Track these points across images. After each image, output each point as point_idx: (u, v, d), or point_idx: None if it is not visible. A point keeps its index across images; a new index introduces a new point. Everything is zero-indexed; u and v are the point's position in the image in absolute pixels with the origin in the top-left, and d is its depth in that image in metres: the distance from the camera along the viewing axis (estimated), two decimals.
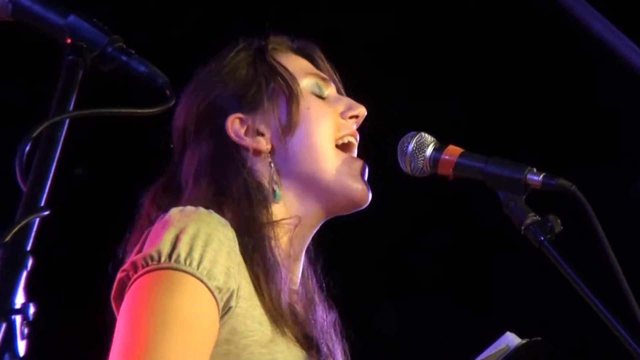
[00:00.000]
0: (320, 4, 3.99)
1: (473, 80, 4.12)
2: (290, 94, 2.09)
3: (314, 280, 2.14)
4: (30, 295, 1.37)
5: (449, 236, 4.42)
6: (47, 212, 1.43)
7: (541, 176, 1.94)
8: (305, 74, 2.14)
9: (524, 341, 2.10)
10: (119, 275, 1.88)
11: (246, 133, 2.08)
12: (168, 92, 1.64)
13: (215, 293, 1.85)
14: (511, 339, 2.11)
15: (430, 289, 4.44)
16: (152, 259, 1.84)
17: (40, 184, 1.46)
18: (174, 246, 1.84)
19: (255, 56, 2.15)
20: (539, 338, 2.13)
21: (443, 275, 4.46)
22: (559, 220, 1.90)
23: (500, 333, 2.11)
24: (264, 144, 2.08)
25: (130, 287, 1.85)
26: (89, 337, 1.89)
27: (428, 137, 2.07)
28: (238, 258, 1.92)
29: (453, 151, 2.03)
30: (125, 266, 1.88)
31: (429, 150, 2.05)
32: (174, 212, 1.90)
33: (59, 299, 3.69)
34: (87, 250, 3.67)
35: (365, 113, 2.15)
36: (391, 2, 4.04)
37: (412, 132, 2.07)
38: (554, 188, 1.93)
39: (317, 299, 2.10)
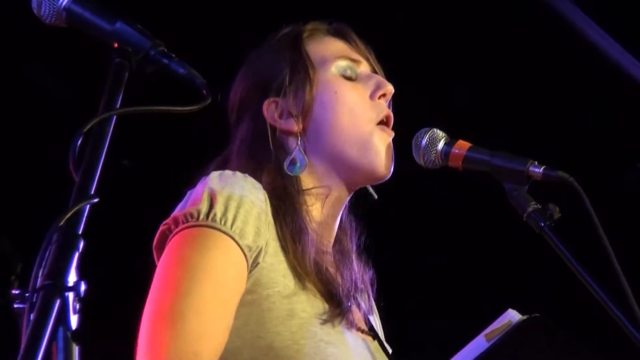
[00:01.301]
0: None
1: (478, 79, 4.11)
2: (317, 81, 2.11)
3: (353, 241, 2.14)
4: (81, 274, 1.38)
5: (454, 223, 4.41)
6: (96, 200, 1.45)
7: (542, 168, 1.96)
8: (337, 58, 2.15)
9: (525, 317, 2.10)
10: (162, 227, 1.92)
11: (280, 115, 2.11)
12: (205, 91, 1.66)
13: (246, 251, 1.87)
14: (513, 315, 2.12)
15: (434, 272, 4.43)
16: (191, 216, 1.87)
17: (90, 174, 1.48)
18: (211, 206, 1.87)
19: (292, 43, 2.17)
20: (537, 314, 2.13)
21: (448, 257, 4.45)
22: (557, 208, 1.92)
23: (503, 310, 2.12)
24: (295, 125, 2.10)
25: (170, 239, 1.89)
26: (127, 312, 1.89)
27: (440, 133, 2.09)
28: (268, 219, 1.94)
29: (462, 145, 2.06)
30: (168, 220, 1.92)
31: (441, 145, 2.07)
32: (214, 175, 1.94)
33: (106, 279, 3.71)
34: (131, 234, 3.69)
35: (392, 90, 2.15)
36: None
37: (425, 128, 2.10)
38: (553, 179, 1.95)
39: (353, 258, 2.10)
